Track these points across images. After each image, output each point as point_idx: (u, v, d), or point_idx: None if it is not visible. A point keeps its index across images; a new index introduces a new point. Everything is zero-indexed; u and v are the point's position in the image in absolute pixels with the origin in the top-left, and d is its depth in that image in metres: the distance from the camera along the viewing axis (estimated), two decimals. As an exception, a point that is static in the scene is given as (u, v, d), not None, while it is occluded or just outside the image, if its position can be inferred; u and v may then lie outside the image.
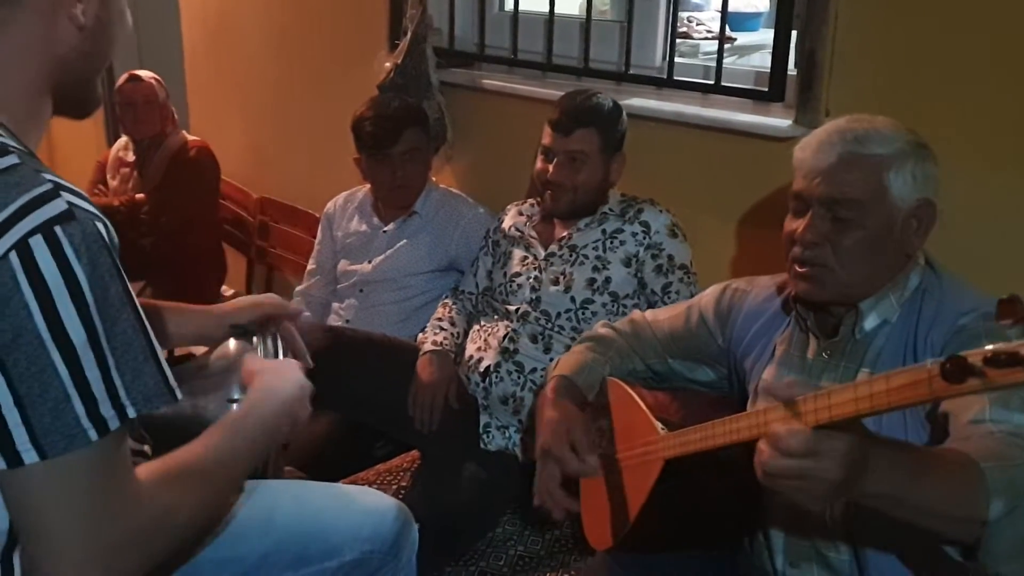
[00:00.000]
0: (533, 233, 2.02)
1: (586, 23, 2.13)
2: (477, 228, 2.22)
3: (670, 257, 1.87)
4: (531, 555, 1.77)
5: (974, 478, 0.92)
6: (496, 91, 2.32)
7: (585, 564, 1.60)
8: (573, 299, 1.90)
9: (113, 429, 0.81)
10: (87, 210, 0.81)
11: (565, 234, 1.96)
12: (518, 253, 2.02)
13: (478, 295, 2.15)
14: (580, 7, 2.29)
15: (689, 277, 1.88)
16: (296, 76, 3.04)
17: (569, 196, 1.91)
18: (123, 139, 3.11)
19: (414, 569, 1.36)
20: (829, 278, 1.19)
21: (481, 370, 1.92)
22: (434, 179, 2.37)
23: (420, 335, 2.10)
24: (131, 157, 3.04)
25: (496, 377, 1.90)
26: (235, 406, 1.17)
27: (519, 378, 1.89)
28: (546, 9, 2.21)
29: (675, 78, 1.98)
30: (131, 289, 0.84)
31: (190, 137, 3.03)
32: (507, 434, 1.92)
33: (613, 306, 1.88)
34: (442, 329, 2.07)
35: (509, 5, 2.30)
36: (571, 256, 1.93)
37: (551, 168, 1.90)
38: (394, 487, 1.94)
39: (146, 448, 1.11)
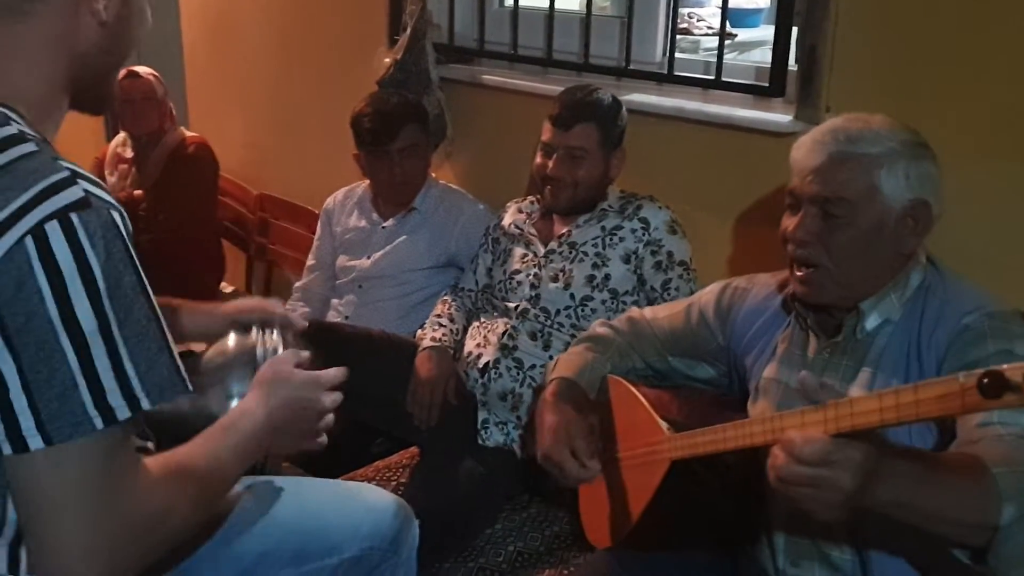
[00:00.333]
0: (533, 230, 2.02)
1: (586, 18, 2.12)
2: (477, 224, 2.22)
3: (669, 254, 1.87)
4: (530, 551, 1.77)
5: (985, 483, 0.92)
6: (496, 87, 2.31)
7: (584, 561, 1.59)
8: (572, 296, 1.89)
9: (121, 419, 0.81)
10: (103, 199, 0.82)
11: (565, 231, 1.96)
12: (518, 251, 2.02)
13: (478, 292, 2.14)
14: (580, 2, 2.28)
15: (689, 274, 1.87)
16: (296, 72, 3.03)
17: (569, 192, 1.91)
18: (121, 135, 3.10)
19: (414, 565, 1.35)
20: (826, 279, 1.19)
21: (480, 366, 1.92)
22: (434, 175, 2.37)
23: (419, 331, 2.09)
24: (129, 153, 3.03)
25: (495, 373, 1.90)
26: (234, 402, 1.17)
27: (518, 374, 1.89)
28: (546, 4, 2.20)
29: (675, 73, 1.98)
30: (145, 280, 0.85)
31: (188, 133, 3.02)
32: (505, 430, 1.91)
33: (612, 303, 1.88)
34: (441, 325, 2.07)
35: (509, 1, 2.29)
36: (571, 253, 1.93)
37: (551, 164, 1.90)
38: (393, 483, 1.94)
39: (150, 445, 1.11)
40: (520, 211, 2.09)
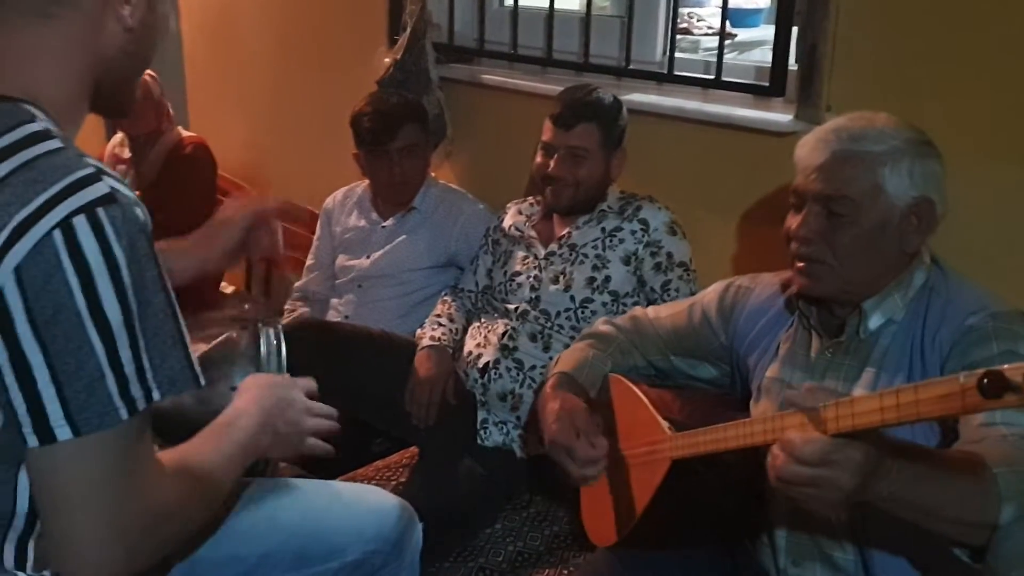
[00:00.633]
0: (533, 232, 2.02)
1: (586, 18, 2.12)
2: (476, 224, 2.22)
3: (669, 255, 1.86)
4: (530, 551, 1.77)
5: (986, 483, 0.92)
6: (496, 87, 2.31)
7: (584, 560, 1.59)
8: (573, 298, 1.89)
9: (140, 409, 0.83)
10: (127, 195, 0.83)
11: (564, 232, 1.96)
12: (518, 253, 2.01)
13: (478, 293, 2.14)
14: (580, 2, 2.28)
15: (688, 274, 1.87)
16: (295, 72, 3.03)
17: (570, 192, 1.91)
18: (118, 135, 3.09)
19: (417, 568, 1.35)
20: (827, 274, 1.19)
21: (480, 366, 1.92)
22: (433, 175, 2.37)
23: (418, 331, 2.09)
24: (127, 154, 3.02)
25: (495, 374, 1.90)
26: None
27: (518, 375, 1.89)
28: (546, 4, 2.20)
29: (675, 73, 1.98)
30: (166, 275, 0.86)
31: (186, 133, 3.01)
32: (505, 430, 1.91)
33: (613, 305, 1.88)
34: (440, 325, 2.07)
35: (509, 0, 2.29)
36: (571, 255, 1.92)
37: (552, 163, 1.90)
38: (392, 483, 1.93)
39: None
40: (520, 213, 2.09)
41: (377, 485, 1.79)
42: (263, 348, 1.25)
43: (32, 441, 0.80)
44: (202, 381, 0.89)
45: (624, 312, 1.73)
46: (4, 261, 0.77)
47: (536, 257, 1.98)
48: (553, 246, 1.96)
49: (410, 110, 2.22)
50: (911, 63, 1.58)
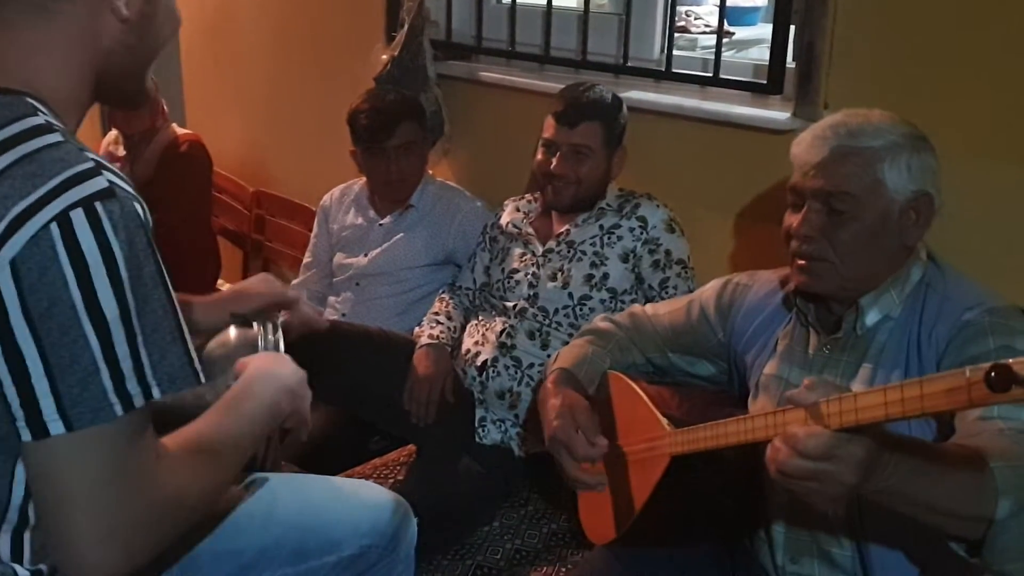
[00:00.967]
0: (531, 229, 2.02)
1: (584, 15, 2.12)
2: (474, 222, 2.22)
3: (667, 252, 1.87)
4: (528, 549, 1.77)
5: (983, 477, 0.92)
6: (494, 84, 2.31)
7: (583, 558, 1.59)
8: (571, 295, 1.89)
9: (138, 406, 0.82)
10: (126, 190, 0.83)
11: (563, 230, 1.96)
12: (516, 250, 2.01)
13: (475, 291, 2.14)
14: (578, -1, 2.28)
15: (687, 272, 1.87)
16: (293, 69, 3.02)
17: (572, 189, 1.90)
18: (113, 133, 3.07)
19: (412, 563, 1.35)
20: (828, 271, 1.19)
21: (478, 364, 1.92)
22: (431, 172, 2.36)
23: (416, 329, 2.09)
24: (121, 152, 3.01)
25: (493, 372, 1.90)
26: None
27: (516, 373, 1.89)
28: (544, 1, 2.20)
29: (673, 71, 1.98)
30: (165, 271, 0.86)
31: (181, 131, 3.00)
32: (503, 428, 1.91)
33: (611, 302, 1.88)
34: (439, 323, 2.07)
35: (507, -3, 2.29)
36: (569, 252, 1.92)
37: (554, 161, 1.89)
38: (390, 481, 1.93)
39: None
40: (518, 210, 2.08)
41: (375, 483, 1.79)
42: (261, 345, 1.24)
43: (26, 435, 0.80)
44: (203, 378, 0.88)
45: (622, 310, 1.73)
46: (0, 253, 0.77)
47: (534, 254, 1.97)
48: (551, 243, 1.96)
49: (407, 107, 2.21)
50: (909, 61, 1.58)
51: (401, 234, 2.26)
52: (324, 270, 2.42)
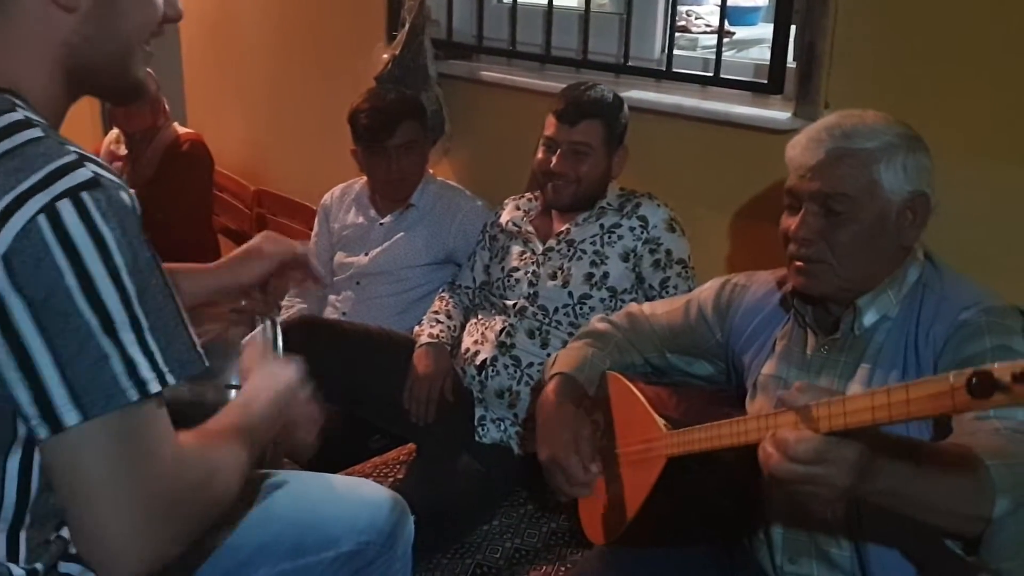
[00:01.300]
0: (531, 228, 2.02)
1: (585, 15, 2.12)
2: (475, 221, 2.22)
3: (668, 252, 1.86)
4: (527, 548, 1.77)
5: (979, 475, 0.92)
6: (494, 83, 2.31)
7: (581, 557, 1.59)
8: (571, 294, 1.89)
9: (152, 392, 0.82)
10: (112, 179, 0.83)
11: (563, 228, 1.96)
12: (516, 248, 2.01)
13: (475, 289, 2.14)
14: (579, -1, 2.28)
15: (687, 272, 1.87)
16: (294, 68, 3.02)
17: (572, 188, 1.90)
18: (114, 132, 3.08)
19: (409, 560, 1.35)
20: (826, 273, 1.19)
21: (477, 363, 1.92)
22: (431, 171, 2.36)
23: (416, 328, 2.09)
24: (123, 151, 3.02)
25: (492, 371, 1.90)
26: (233, 392, 1.17)
27: (515, 372, 1.89)
28: (545, 1, 2.20)
29: (674, 70, 1.98)
30: (158, 257, 0.86)
31: (182, 130, 3.01)
32: (502, 427, 1.91)
33: (611, 301, 1.88)
34: (439, 322, 2.07)
35: (507, -3, 2.29)
36: (569, 251, 1.92)
37: (555, 160, 1.89)
38: (390, 480, 1.94)
39: None
40: (518, 208, 2.08)
41: (375, 481, 1.79)
42: (260, 343, 1.24)
43: (43, 432, 0.79)
44: (207, 362, 0.88)
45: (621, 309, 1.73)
46: None
47: (534, 253, 1.97)
48: (551, 242, 1.96)
49: (408, 106, 2.22)
50: (909, 61, 1.58)
51: (402, 233, 2.27)
52: (325, 269, 2.41)
